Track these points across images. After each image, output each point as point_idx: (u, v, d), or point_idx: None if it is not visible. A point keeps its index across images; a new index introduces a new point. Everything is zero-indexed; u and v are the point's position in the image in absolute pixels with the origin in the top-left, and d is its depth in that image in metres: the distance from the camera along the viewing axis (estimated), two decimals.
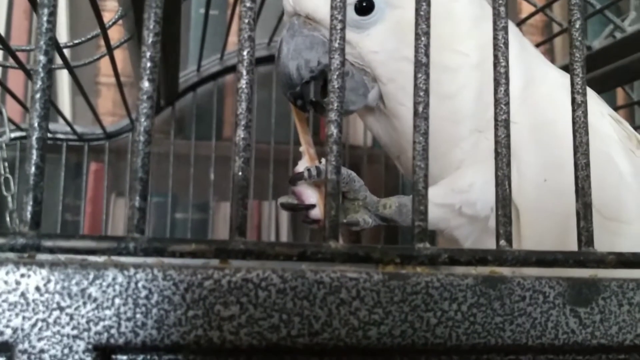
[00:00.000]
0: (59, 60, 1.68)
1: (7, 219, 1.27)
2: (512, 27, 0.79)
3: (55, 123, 1.59)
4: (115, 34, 1.26)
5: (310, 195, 0.70)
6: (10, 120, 1.30)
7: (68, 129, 1.52)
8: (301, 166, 0.72)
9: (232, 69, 1.67)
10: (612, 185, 0.68)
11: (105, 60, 1.20)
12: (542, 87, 0.73)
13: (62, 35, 1.70)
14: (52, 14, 0.33)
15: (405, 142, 0.76)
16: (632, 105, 1.40)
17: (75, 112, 1.74)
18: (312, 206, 0.69)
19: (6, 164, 1.26)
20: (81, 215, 1.59)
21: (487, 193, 0.69)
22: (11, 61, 1.28)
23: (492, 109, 0.70)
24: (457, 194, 0.70)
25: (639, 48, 1.14)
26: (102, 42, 1.53)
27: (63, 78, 1.74)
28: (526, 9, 1.49)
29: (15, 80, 1.69)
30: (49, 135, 1.53)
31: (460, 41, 0.72)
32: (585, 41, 1.23)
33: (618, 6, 1.33)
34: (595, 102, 0.73)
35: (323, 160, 0.70)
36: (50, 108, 0.33)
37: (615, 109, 1.17)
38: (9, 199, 1.28)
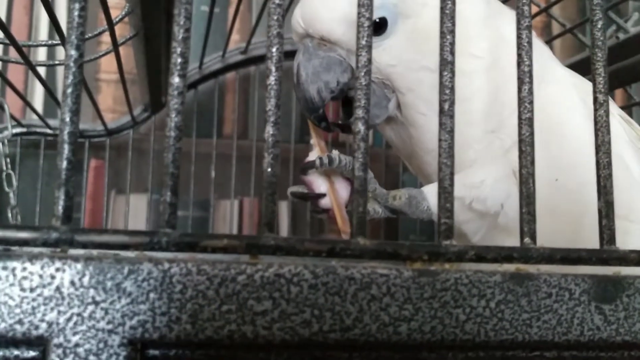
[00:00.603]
0: (59, 56, 1.67)
1: (9, 215, 1.26)
2: None
3: (55, 119, 1.59)
4: (116, 30, 1.26)
5: (320, 184, 0.70)
6: (11, 116, 1.29)
7: None
8: (312, 156, 0.72)
9: (234, 66, 1.67)
10: (623, 184, 0.68)
11: (106, 57, 1.20)
12: (553, 86, 0.73)
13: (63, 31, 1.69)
14: (84, 8, 0.33)
15: (419, 149, 0.77)
16: (632, 106, 1.41)
17: None
18: (322, 195, 0.70)
19: (8, 160, 1.26)
20: (81, 212, 1.58)
21: (497, 190, 0.70)
22: (13, 56, 1.28)
23: (507, 109, 0.71)
24: (468, 189, 0.71)
25: None
26: (103, 39, 1.52)
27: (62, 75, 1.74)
28: None
29: (16, 76, 1.68)
30: (49, 131, 1.53)
31: (472, 44, 0.72)
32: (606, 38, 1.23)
33: (619, 8, 1.34)
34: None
35: (334, 151, 0.71)
36: (80, 103, 0.33)
37: None
38: (11, 194, 1.27)
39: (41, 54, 1.68)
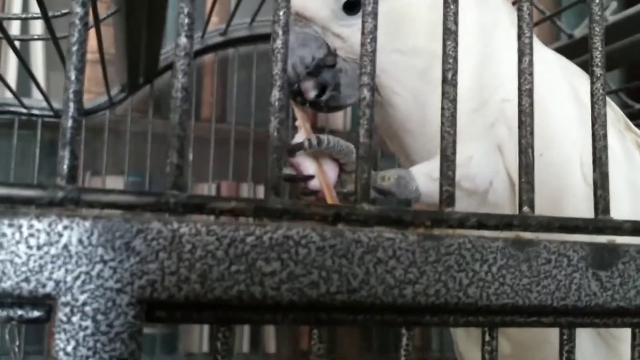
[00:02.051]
0: (35, 31, 1.63)
1: None
2: (509, 7, 0.81)
3: (29, 98, 1.56)
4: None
5: (308, 166, 0.70)
6: None
7: (43, 104, 1.48)
8: (298, 138, 0.72)
9: (213, 48, 1.65)
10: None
11: None
12: (539, 65, 0.74)
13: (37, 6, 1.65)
14: None
15: (400, 128, 0.78)
16: (608, 94, 1.43)
17: (50, 87, 1.70)
18: (311, 177, 0.70)
19: None
20: None
21: (485, 167, 0.71)
22: None
23: (488, 88, 0.72)
24: (457, 168, 0.71)
25: (619, 37, 1.17)
26: None
27: (37, 53, 1.70)
28: None
29: None
30: (23, 110, 1.49)
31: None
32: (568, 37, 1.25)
33: None
34: (588, 85, 0.75)
35: (325, 134, 0.71)
36: (86, 62, 0.32)
37: None
38: None
39: (14, 29, 1.64)
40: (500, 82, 0.72)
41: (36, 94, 1.57)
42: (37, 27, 1.65)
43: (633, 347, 0.40)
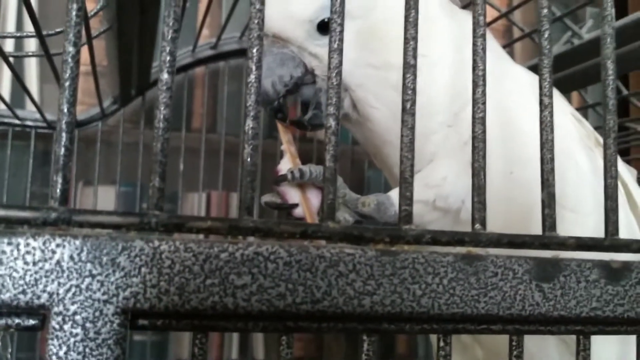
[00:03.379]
0: (29, 46, 1.67)
1: None
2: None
3: (23, 110, 1.59)
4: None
5: (293, 195, 0.74)
6: None
7: (37, 116, 1.51)
8: (283, 165, 0.76)
9: (204, 61, 1.69)
10: (571, 179, 0.74)
11: None
12: (509, 85, 0.78)
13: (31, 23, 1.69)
14: (80, 9, 0.36)
15: (380, 142, 0.81)
16: (586, 108, 1.48)
17: (43, 99, 1.73)
18: (295, 205, 0.74)
19: None
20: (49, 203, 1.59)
21: (458, 186, 0.75)
22: None
23: (458, 105, 0.76)
24: (431, 189, 0.75)
25: (595, 54, 1.21)
26: None
27: (31, 66, 1.73)
28: (489, 13, 1.55)
29: None
30: (17, 122, 1.53)
31: (421, 43, 0.77)
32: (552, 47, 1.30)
33: (576, 14, 1.41)
34: (558, 101, 0.79)
35: (308, 165, 0.74)
36: (77, 95, 0.36)
37: None
38: None
39: (9, 45, 1.67)
40: (469, 97, 0.76)
41: (30, 105, 1.61)
42: (32, 43, 1.68)
43: (577, 352, 0.44)
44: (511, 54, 1.95)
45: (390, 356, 1.79)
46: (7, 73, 1.65)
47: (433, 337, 0.92)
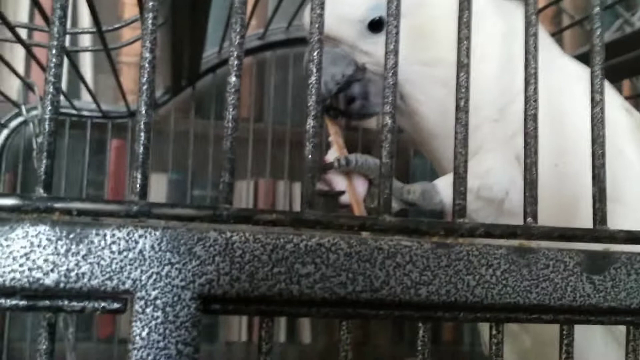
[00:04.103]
0: (83, 39, 1.72)
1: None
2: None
3: (79, 100, 1.65)
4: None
5: (339, 182, 0.77)
6: (41, 97, 1.36)
7: (92, 106, 1.58)
8: (330, 155, 0.79)
9: (251, 51, 1.73)
10: (620, 172, 0.74)
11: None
12: (556, 77, 0.78)
13: (85, 19, 1.75)
14: (156, 17, 0.39)
15: (426, 135, 0.83)
16: (638, 96, 1.46)
17: (98, 90, 1.79)
18: (342, 192, 0.76)
19: (38, 140, 1.32)
20: (104, 190, 1.65)
21: (502, 177, 0.76)
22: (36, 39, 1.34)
23: (505, 100, 0.77)
24: (476, 179, 0.77)
25: None
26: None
27: (86, 57, 1.79)
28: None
29: (40, 57, 1.73)
30: (74, 112, 1.59)
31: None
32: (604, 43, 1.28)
33: (628, 2, 1.38)
34: (608, 93, 0.79)
35: (355, 154, 0.76)
36: (154, 98, 0.39)
37: None
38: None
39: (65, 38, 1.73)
40: (517, 91, 0.77)
41: (85, 95, 1.67)
42: (86, 36, 1.74)
43: (627, 342, 0.46)
44: (560, 40, 1.92)
45: (436, 343, 1.81)
46: (63, 66, 1.71)
47: (482, 326, 0.94)
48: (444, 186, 0.77)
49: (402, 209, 0.79)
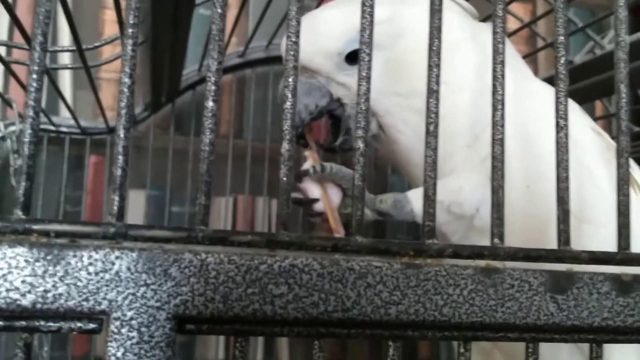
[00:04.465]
0: (63, 60, 1.72)
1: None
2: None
3: (57, 117, 1.65)
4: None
5: (313, 190, 0.78)
6: (19, 114, 1.35)
7: (71, 122, 1.57)
8: (306, 166, 0.80)
9: (231, 69, 1.74)
10: (589, 192, 0.76)
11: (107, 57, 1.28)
12: (530, 101, 0.81)
13: (65, 37, 1.75)
14: (135, 44, 0.40)
15: (405, 162, 0.85)
16: (609, 117, 1.50)
17: (77, 106, 1.79)
18: (316, 200, 0.77)
19: (16, 156, 1.32)
20: (82, 206, 1.64)
21: (473, 196, 0.78)
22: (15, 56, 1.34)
23: (479, 126, 0.79)
24: (448, 194, 0.78)
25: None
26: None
27: (65, 74, 1.79)
28: (512, 22, 1.57)
29: (19, 74, 1.73)
30: (52, 128, 1.59)
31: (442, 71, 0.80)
32: (568, 64, 1.32)
33: (599, 24, 1.42)
34: (576, 115, 0.82)
35: (329, 163, 0.78)
36: (132, 122, 0.40)
37: (595, 119, 1.25)
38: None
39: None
40: (489, 120, 0.79)
41: (63, 112, 1.67)
42: (65, 55, 1.74)
43: (591, 359, 0.47)
44: (534, 61, 1.97)
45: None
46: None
47: (456, 343, 0.96)
48: (415, 197, 0.78)
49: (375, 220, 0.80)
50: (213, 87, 0.41)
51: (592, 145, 0.82)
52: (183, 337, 1.70)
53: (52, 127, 1.59)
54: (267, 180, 1.71)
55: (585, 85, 1.30)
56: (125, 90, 0.39)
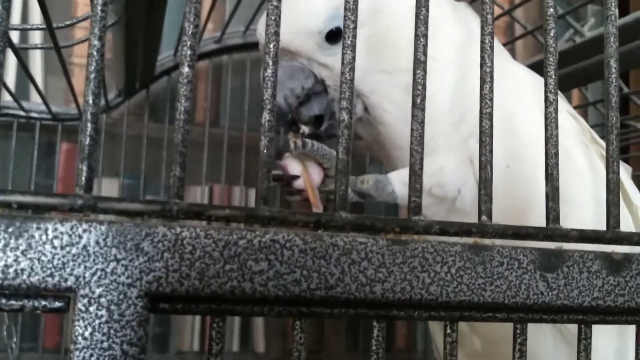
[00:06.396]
0: (34, 40, 1.68)
1: None
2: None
3: (27, 102, 1.60)
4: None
5: (294, 167, 0.76)
6: None
7: (42, 107, 1.53)
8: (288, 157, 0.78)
9: (207, 55, 1.71)
10: (567, 173, 0.75)
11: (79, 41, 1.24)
12: (509, 82, 0.79)
13: (36, 17, 1.70)
14: (106, 4, 0.37)
15: (388, 144, 0.83)
16: (587, 105, 1.50)
17: (48, 92, 1.74)
18: (297, 177, 0.75)
19: None
20: None
21: (455, 177, 0.76)
22: None
23: (465, 105, 0.78)
24: (428, 177, 0.77)
25: (597, 52, 1.23)
26: (78, 24, 1.54)
27: (36, 58, 1.74)
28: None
29: None
30: (22, 113, 1.54)
31: (430, 48, 0.78)
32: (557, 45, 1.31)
33: (578, 12, 1.42)
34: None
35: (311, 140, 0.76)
36: (101, 87, 0.38)
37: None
38: None
39: (14, 37, 1.68)
40: (476, 98, 0.78)
41: (34, 97, 1.62)
42: (36, 35, 1.69)
43: (579, 340, 0.46)
44: (512, 50, 1.96)
45: (390, 350, 1.81)
46: (12, 64, 1.66)
47: (434, 329, 0.94)
48: (396, 178, 0.77)
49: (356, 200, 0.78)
50: (189, 52, 0.38)
51: (569, 128, 0.81)
52: (157, 327, 1.67)
53: (22, 113, 1.54)
54: (244, 169, 1.68)
55: (564, 73, 1.29)
56: (95, 53, 0.37)
